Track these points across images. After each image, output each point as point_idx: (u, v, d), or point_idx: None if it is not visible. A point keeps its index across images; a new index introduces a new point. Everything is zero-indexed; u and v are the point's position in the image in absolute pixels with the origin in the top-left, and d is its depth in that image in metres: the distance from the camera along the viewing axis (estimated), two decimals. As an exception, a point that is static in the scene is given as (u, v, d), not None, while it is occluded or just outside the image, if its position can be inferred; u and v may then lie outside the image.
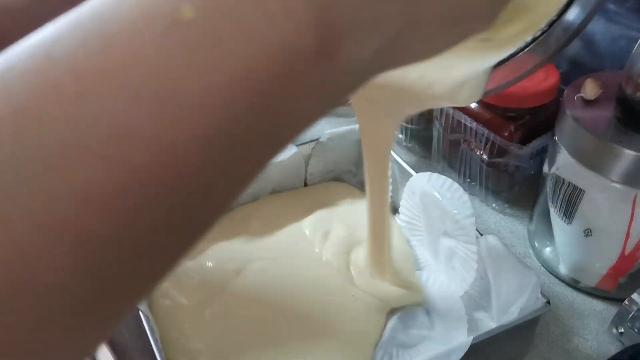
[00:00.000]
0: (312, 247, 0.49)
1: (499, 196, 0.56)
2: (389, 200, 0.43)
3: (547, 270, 0.50)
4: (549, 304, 0.39)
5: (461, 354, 0.35)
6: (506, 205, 0.56)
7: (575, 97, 0.45)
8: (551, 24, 0.27)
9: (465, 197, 0.45)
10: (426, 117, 0.62)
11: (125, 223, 0.14)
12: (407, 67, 0.29)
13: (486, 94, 0.30)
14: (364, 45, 0.16)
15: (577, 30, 0.27)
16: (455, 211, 0.45)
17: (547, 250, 0.51)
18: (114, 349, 0.43)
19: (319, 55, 0.15)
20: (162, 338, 0.40)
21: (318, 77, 0.15)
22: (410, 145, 0.65)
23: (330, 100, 0.17)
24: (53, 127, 0.13)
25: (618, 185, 0.42)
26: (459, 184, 0.58)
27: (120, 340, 0.43)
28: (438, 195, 0.47)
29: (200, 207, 0.15)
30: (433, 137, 0.60)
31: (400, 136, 0.65)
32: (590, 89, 0.45)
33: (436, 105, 0.32)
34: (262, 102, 0.15)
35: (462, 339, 0.36)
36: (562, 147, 0.45)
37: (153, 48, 0.14)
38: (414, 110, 0.38)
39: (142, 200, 0.14)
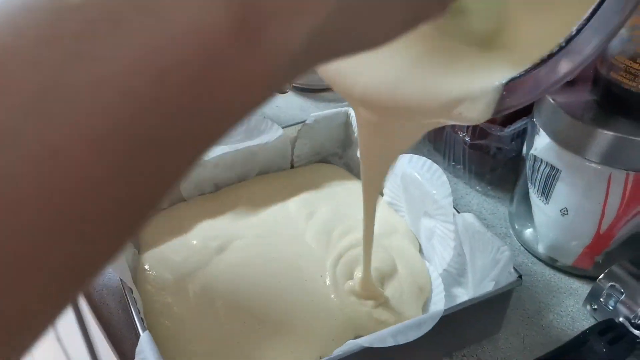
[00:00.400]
0: (295, 227, 0.50)
1: (482, 178, 0.57)
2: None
3: (526, 250, 0.51)
4: (521, 278, 0.40)
5: (431, 324, 0.36)
6: (489, 188, 0.57)
7: (552, 78, 0.46)
8: (569, 40, 0.25)
9: (444, 177, 0.46)
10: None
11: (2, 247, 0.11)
12: (406, 83, 0.29)
13: (498, 112, 0.28)
14: (294, 28, 0.14)
15: (605, 41, 0.25)
16: (434, 191, 0.46)
17: (527, 230, 0.52)
18: (101, 320, 0.44)
19: (239, 40, 0.13)
20: (146, 310, 0.42)
21: (240, 66, 0.13)
22: (397, 129, 0.66)
23: (258, 94, 0.15)
24: None
25: (594, 165, 0.43)
26: (444, 167, 0.59)
27: (105, 311, 0.44)
28: (418, 176, 0.48)
29: (101, 222, 0.13)
30: (419, 121, 0.61)
31: (388, 121, 0.66)
32: (567, 70, 0.46)
33: (442, 123, 0.31)
34: (170, 97, 0.13)
35: (434, 311, 0.37)
36: (540, 128, 0.46)
37: (33, 38, 0.11)
38: (419, 131, 0.37)
39: (22, 218, 0.11)
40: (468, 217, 0.44)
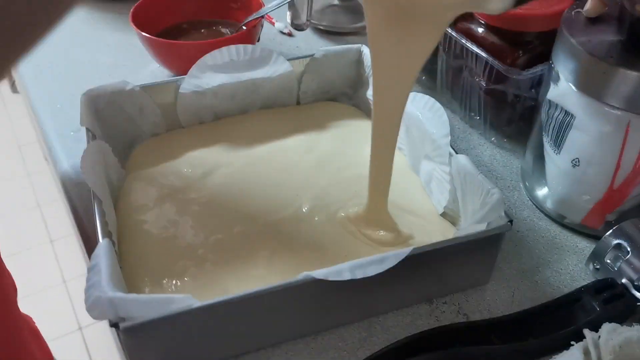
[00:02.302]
0: (291, 158, 0.48)
1: (498, 130, 0.53)
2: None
3: (534, 205, 0.48)
4: (511, 223, 0.37)
5: (395, 261, 0.33)
6: (504, 140, 0.53)
7: (573, 13, 0.42)
8: None
9: (445, 117, 0.43)
10: (434, 46, 0.59)
11: None
12: None
13: (519, 1, 0.28)
14: None
15: None
16: (434, 131, 0.43)
17: (537, 185, 0.48)
18: (80, 228, 0.44)
19: None
20: (121, 225, 0.41)
21: None
22: (418, 76, 0.62)
23: None
24: None
25: (612, 110, 0.39)
26: (460, 117, 0.56)
27: (86, 220, 0.44)
28: (419, 115, 0.45)
29: None
30: (437, 67, 0.57)
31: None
32: (592, 5, 0.41)
33: (465, 9, 0.32)
34: None
35: (402, 249, 0.34)
36: (559, 73, 0.42)
37: None
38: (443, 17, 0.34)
39: None
40: (461, 158, 0.41)
